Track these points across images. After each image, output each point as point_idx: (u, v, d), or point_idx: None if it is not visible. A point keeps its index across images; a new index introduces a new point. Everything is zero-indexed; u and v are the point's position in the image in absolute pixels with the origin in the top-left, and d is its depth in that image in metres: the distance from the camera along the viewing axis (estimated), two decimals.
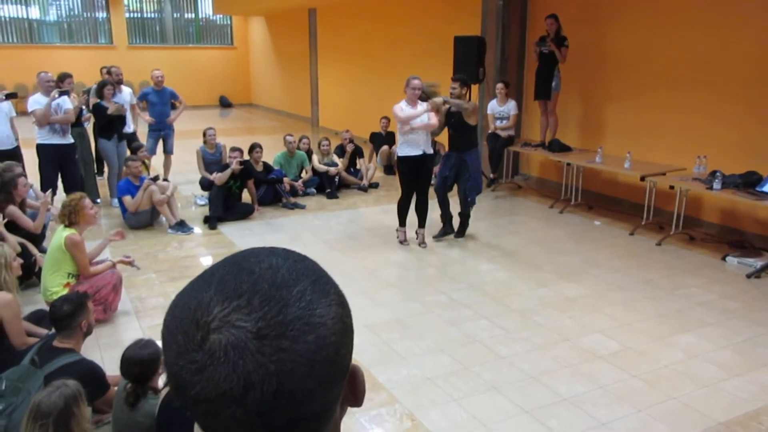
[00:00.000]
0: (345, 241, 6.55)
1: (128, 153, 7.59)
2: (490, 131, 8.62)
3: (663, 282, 5.40)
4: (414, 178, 6.10)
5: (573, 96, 8.31)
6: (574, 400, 3.55)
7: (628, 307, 4.87)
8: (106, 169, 8.32)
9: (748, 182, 5.85)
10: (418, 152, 5.99)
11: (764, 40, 6.14)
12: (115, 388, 2.90)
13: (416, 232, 6.35)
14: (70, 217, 4.41)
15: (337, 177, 8.55)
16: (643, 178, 6.67)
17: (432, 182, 6.73)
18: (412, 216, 6.30)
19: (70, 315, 3.05)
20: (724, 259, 5.95)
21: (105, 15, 18.05)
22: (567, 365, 3.95)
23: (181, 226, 6.69)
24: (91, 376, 2.93)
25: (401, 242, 6.34)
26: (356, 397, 0.66)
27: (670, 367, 3.93)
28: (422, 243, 6.30)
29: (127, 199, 6.66)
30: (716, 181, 5.91)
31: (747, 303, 4.96)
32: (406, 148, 6.02)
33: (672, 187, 6.42)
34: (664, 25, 7.09)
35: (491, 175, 8.76)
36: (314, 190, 8.46)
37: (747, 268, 5.68)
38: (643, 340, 4.30)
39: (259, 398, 0.54)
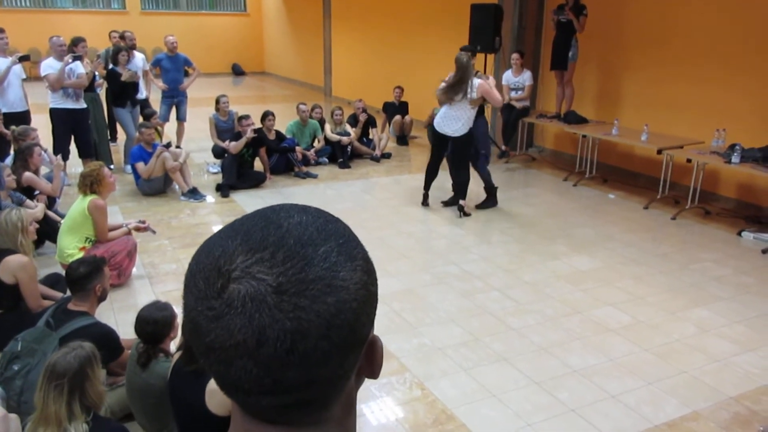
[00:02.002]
0: (357, 211, 6.54)
1: (141, 119, 7.58)
2: (504, 102, 8.50)
3: (677, 256, 5.36)
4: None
5: (590, 66, 8.16)
6: (585, 371, 3.55)
7: (641, 280, 4.84)
8: (119, 135, 8.33)
9: (767, 156, 5.75)
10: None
11: None
12: (129, 351, 2.94)
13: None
14: (92, 186, 4.45)
15: (349, 147, 8.50)
16: (660, 151, 6.57)
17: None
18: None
19: (86, 276, 3.08)
20: (739, 234, 5.88)
21: None
22: (578, 337, 3.95)
23: (194, 193, 6.70)
24: (105, 338, 2.96)
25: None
26: (373, 369, 0.64)
27: (682, 341, 3.91)
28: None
29: (140, 165, 6.66)
30: (735, 154, 5.80)
31: (762, 278, 4.91)
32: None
33: (689, 161, 6.33)
34: None
35: (503, 147, 8.68)
36: (326, 160, 8.42)
37: (763, 243, 5.61)
38: (656, 314, 4.28)
39: (272, 354, 0.54)
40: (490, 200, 6.62)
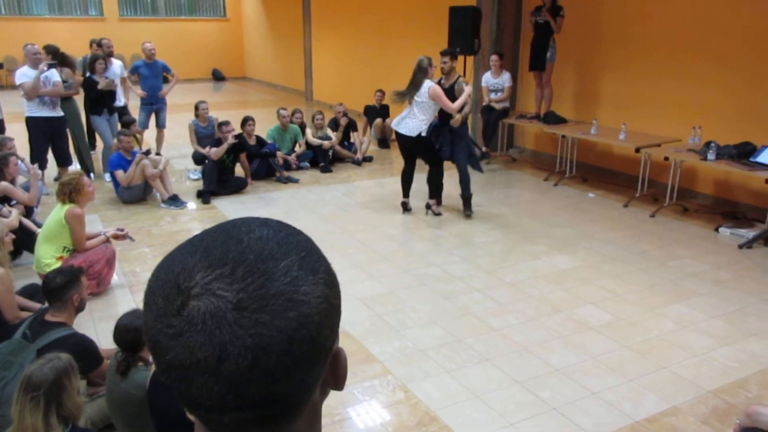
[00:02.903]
0: (339, 214, 6.54)
1: (119, 127, 7.52)
2: (484, 104, 8.56)
3: (656, 253, 5.42)
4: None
5: (568, 67, 8.24)
6: (566, 370, 3.58)
7: (621, 278, 4.89)
8: (98, 143, 8.25)
9: (742, 153, 5.85)
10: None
11: (757, 8, 6.07)
12: (109, 361, 2.91)
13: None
14: (71, 195, 4.41)
15: (330, 151, 8.50)
16: (638, 150, 6.65)
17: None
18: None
19: (63, 287, 3.05)
20: (717, 230, 5.97)
21: None
22: (559, 336, 3.98)
23: (174, 200, 6.66)
24: (84, 349, 2.93)
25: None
26: (337, 381, 0.64)
27: (662, 337, 3.96)
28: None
29: (120, 173, 6.61)
30: (710, 152, 5.89)
31: (738, 273, 4.99)
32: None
33: (667, 159, 6.41)
34: None
35: (483, 149, 8.73)
36: (308, 164, 8.41)
37: (739, 238, 5.70)
38: (635, 311, 4.32)
39: (233, 370, 0.53)
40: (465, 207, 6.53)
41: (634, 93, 7.48)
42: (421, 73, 5.94)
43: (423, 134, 6.08)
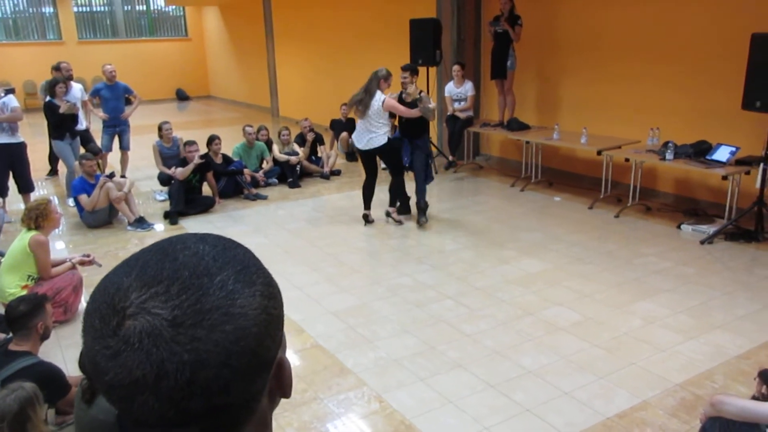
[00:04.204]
0: (309, 229, 6.53)
1: (82, 150, 7.42)
2: (448, 113, 8.66)
3: (621, 252, 5.54)
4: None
5: (529, 74, 8.39)
6: (538, 371, 3.63)
7: (588, 278, 4.98)
8: (60, 167, 8.12)
9: (699, 151, 6.02)
10: None
11: (708, 9, 6.29)
12: (77, 388, 2.86)
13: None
14: (37, 220, 4.34)
15: (298, 166, 8.50)
16: (599, 153, 6.80)
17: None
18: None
19: (26, 315, 2.99)
20: (679, 227, 6.12)
21: (52, 10, 17.49)
22: (530, 339, 4.03)
23: (141, 222, 6.58)
24: (50, 378, 2.88)
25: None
26: (283, 390, 0.65)
27: (629, 334, 4.04)
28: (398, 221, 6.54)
29: (83, 197, 6.51)
30: (669, 151, 6.05)
31: (701, 268, 5.12)
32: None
33: (627, 160, 6.56)
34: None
35: (450, 158, 8.82)
36: (276, 180, 8.39)
37: (701, 234, 5.85)
38: (603, 310, 4.41)
39: (173, 386, 0.54)
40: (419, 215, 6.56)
41: (594, 97, 7.66)
42: (375, 81, 6.03)
43: (386, 141, 6.15)
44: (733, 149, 5.81)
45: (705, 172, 5.95)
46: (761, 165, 5.50)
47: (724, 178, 5.76)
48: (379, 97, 5.99)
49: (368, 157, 6.33)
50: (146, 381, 0.54)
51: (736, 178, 5.80)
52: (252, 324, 0.57)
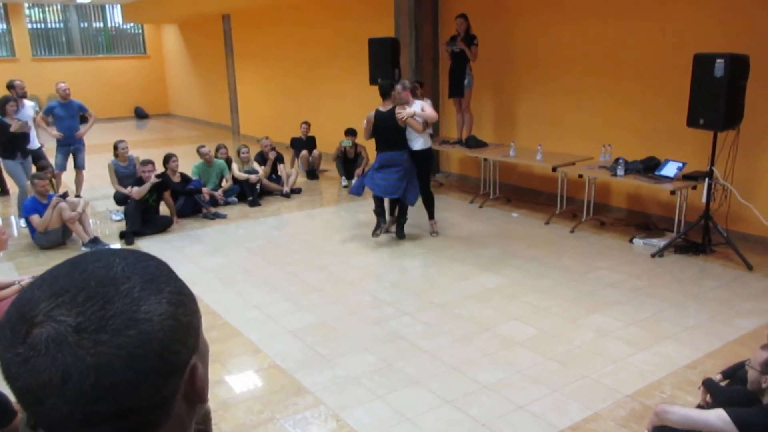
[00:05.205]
0: (269, 248, 6.50)
1: (34, 169, 7.25)
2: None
3: (576, 267, 5.66)
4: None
5: (486, 92, 8.56)
6: (494, 386, 3.67)
7: (544, 293, 5.07)
8: (11, 187, 7.91)
9: (648, 167, 6.22)
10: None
11: (656, 29, 6.54)
12: (21, 415, 2.78)
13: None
14: None
15: (258, 184, 8.46)
16: (554, 169, 6.96)
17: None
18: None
19: None
20: (631, 241, 6.29)
21: (4, 26, 17.13)
22: (486, 354, 4.08)
23: (96, 243, 6.45)
24: None
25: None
26: (196, 393, 0.67)
27: (582, 347, 4.13)
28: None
29: (35, 218, 6.35)
30: (620, 167, 6.24)
31: (652, 281, 5.27)
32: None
33: (581, 176, 6.73)
34: (566, 17, 7.42)
35: None
36: (235, 199, 8.33)
37: (652, 248, 6.03)
38: (558, 324, 4.49)
39: (78, 389, 0.57)
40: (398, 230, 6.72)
41: (548, 114, 7.85)
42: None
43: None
44: (680, 165, 6.02)
45: (654, 187, 6.15)
46: (706, 180, 5.71)
47: (672, 192, 5.96)
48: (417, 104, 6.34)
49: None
50: (53, 385, 0.57)
51: (684, 192, 6.00)
52: (157, 329, 0.60)
